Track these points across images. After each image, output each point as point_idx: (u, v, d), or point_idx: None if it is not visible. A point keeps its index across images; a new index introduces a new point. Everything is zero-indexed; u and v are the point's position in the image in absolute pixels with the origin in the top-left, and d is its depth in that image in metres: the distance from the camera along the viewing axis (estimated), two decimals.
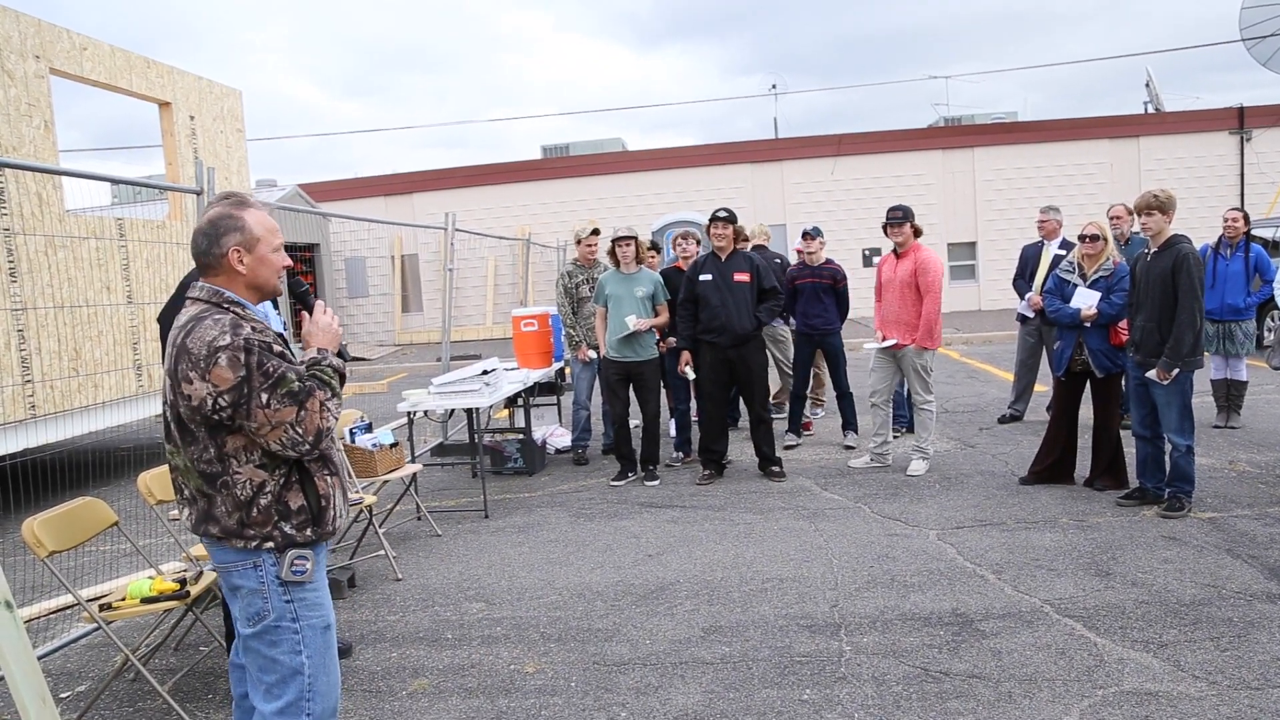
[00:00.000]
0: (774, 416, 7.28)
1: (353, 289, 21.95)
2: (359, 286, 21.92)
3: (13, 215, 6.88)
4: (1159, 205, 5.12)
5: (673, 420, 7.57)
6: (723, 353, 6.51)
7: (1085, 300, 5.64)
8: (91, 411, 7.50)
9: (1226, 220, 7.48)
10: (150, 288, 8.21)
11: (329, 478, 2.43)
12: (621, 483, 6.79)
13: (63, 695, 3.80)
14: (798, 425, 7.80)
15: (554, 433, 8.29)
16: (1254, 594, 4.02)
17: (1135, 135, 20.27)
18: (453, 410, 6.64)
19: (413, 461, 6.15)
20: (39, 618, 4.46)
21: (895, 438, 7.07)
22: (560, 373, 8.27)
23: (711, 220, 6.61)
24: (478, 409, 6.49)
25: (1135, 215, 5.40)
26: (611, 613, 4.27)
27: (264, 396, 2.22)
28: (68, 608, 4.62)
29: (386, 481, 5.60)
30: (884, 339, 6.56)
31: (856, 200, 20.39)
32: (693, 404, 7.62)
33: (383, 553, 5.13)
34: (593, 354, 7.41)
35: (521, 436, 7.47)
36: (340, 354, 2.55)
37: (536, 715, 3.35)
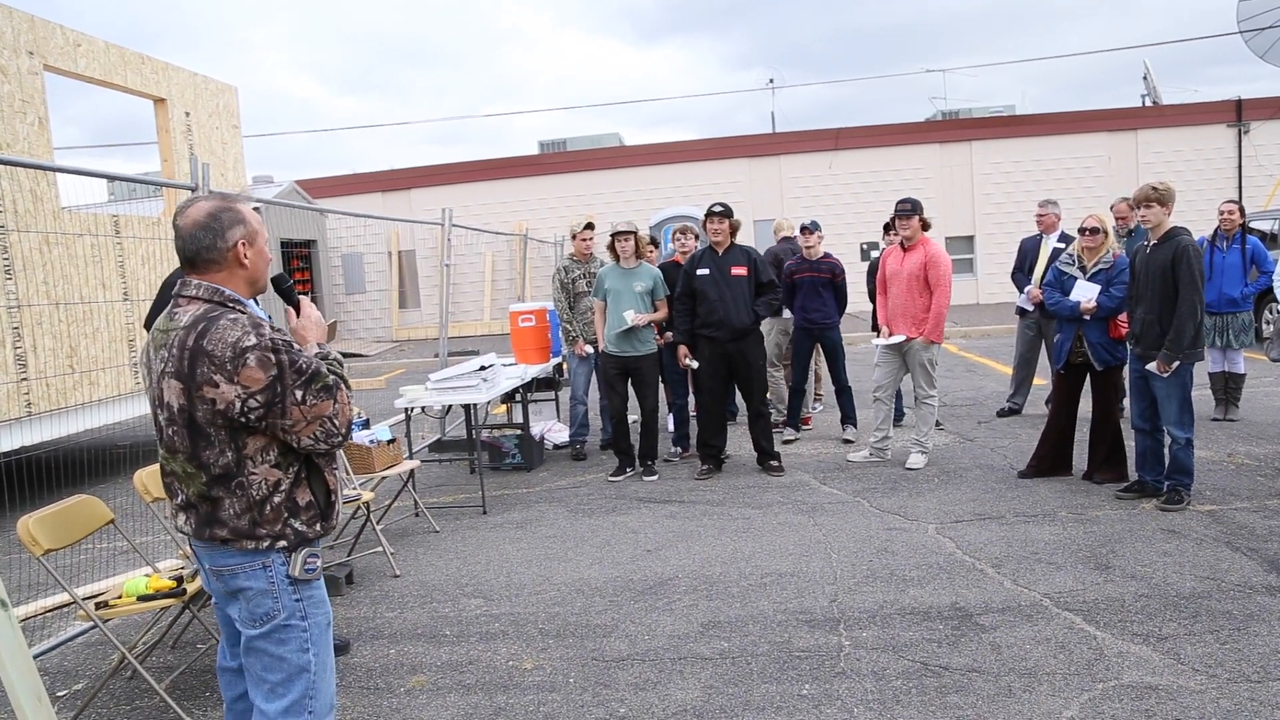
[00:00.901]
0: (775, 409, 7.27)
1: (350, 285, 21.92)
2: (356, 282, 21.90)
3: (7, 212, 6.86)
4: (1158, 197, 5.11)
5: (671, 415, 7.56)
6: (721, 347, 6.50)
7: (1085, 293, 5.63)
8: (88, 409, 7.49)
9: (1222, 213, 7.48)
10: (146, 284, 8.19)
11: (335, 472, 2.43)
12: (620, 478, 6.78)
13: (59, 694, 3.79)
14: (796, 420, 7.79)
15: (552, 428, 8.28)
16: (1253, 587, 4.01)
17: (1133, 128, 20.25)
18: (450, 406, 6.62)
19: (410, 458, 6.15)
20: (35, 616, 4.41)
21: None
22: (558, 368, 8.26)
23: (707, 215, 6.59)
24: (475, 405, 6.48)
25: (1134, 208, 5.39)
26: (610, 608, 4.26)
27: (299, 393, 2.19)
28: (64, 606, 4.57)
29: (384, 478, 5.58)
30: (890, 334, 6.55)
31: (854, 194, 20.37)
32: (691, 399, 7.62)
33: (380, 549, 5.12)
34: (589, 349, 7.39)
35: (519, 432, 7.46)
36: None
37: (535, 711, 3.34)
